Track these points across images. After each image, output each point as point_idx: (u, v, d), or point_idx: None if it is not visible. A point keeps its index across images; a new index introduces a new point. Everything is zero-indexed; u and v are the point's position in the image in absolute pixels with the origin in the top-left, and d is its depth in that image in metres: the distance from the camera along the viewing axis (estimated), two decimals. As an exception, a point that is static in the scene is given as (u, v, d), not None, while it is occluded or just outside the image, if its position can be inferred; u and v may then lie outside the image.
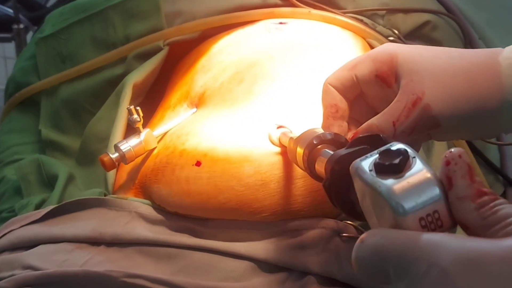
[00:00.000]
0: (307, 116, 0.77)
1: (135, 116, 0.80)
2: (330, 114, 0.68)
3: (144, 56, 0.98)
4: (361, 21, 0.97)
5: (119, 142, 0.81)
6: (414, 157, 0.48)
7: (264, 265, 0.71)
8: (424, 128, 0.63)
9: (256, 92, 0.81)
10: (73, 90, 1.02)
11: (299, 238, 0.72)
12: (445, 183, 0.46)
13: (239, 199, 0.73)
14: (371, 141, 0.55)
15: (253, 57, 0.87)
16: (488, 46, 1.07)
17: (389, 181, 0.47)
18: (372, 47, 0.94)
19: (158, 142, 0.83)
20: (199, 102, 0.87)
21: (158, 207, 0.77)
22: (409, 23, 1.00)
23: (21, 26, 1.81)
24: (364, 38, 0.95)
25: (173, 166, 0.77)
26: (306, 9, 0.97)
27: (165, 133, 0.84)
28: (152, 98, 0.97)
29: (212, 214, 0.75)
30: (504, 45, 1.09)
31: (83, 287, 0.69)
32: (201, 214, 0.75)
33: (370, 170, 0.49)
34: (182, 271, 0.71)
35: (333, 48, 0.90)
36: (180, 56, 1.00)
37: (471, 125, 0.63)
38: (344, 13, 0.97)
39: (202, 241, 0.73)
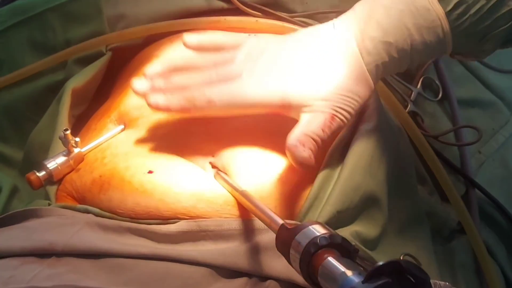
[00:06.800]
0: (242, 156, 0.78)
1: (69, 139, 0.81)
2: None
3: (86, 61, 0.95)
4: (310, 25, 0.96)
5: (46, 160, 0.81)
6: None
7: (223, 270, 0.69)
8: None
9: (192, 131, 0.81)
10: (12, 97, 0.98)
11: (258, 240, 0.70)
12: None
13: (194, 192, 0.74)
14: (392, 271, 0.49)
15: None
16: None
17: None
18: None
19: (84, 155, 0.83)
20: (129, 122, 0.85)
21: (109, 213, 0.75)
22: None
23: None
24: None
25: (122, 176, 0.76)
26: (253, 19, 0.94)
27: (93, 148, 0.83)
28: (99, 106, 0.93)
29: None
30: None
31: None
32: (155, 214, 0.74)
33: None
34: (136, 280, 0.68)
35: None
36: (126, 60, 0.97)
37: None
38: (293, 17, 0.96)
39: (156, 249, 0.71)
